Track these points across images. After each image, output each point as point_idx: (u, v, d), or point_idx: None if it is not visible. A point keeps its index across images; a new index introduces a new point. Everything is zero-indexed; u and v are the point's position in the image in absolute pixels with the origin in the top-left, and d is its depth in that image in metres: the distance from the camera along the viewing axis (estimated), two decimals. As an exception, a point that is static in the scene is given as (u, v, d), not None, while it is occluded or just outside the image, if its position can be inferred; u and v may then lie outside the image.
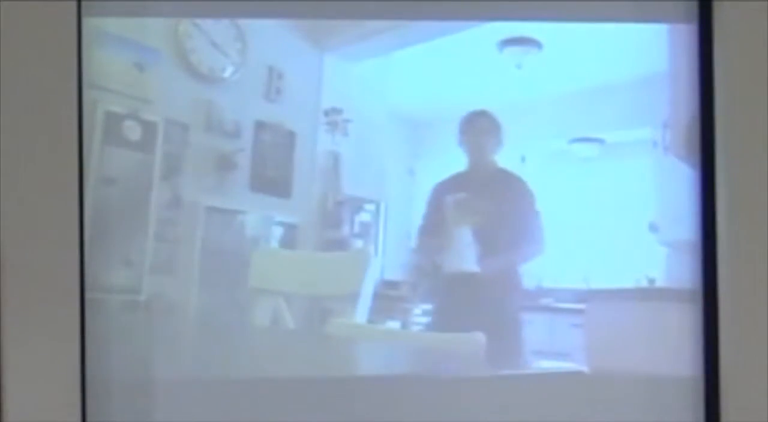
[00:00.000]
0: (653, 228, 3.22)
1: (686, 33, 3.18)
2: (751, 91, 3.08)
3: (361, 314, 3.20)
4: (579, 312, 3.22)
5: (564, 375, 3.19)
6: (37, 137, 2.94)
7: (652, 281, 3.23)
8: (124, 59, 3.11)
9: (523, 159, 3.26)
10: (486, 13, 3.18)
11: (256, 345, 3.18)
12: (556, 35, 3.22)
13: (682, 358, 3.15)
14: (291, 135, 3.23)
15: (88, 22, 3.02)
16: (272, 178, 3.22)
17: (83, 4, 2.99)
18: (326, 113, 3.23)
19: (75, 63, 2.97)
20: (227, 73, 3.19)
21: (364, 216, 3.26)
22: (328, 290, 3.20)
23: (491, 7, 3.18)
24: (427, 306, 3.29)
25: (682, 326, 3.16)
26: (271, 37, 3.20)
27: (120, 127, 3.11)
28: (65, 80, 2.96)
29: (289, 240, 3.21)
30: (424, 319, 3.27)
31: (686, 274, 3.18)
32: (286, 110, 3.22)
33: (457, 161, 3.28)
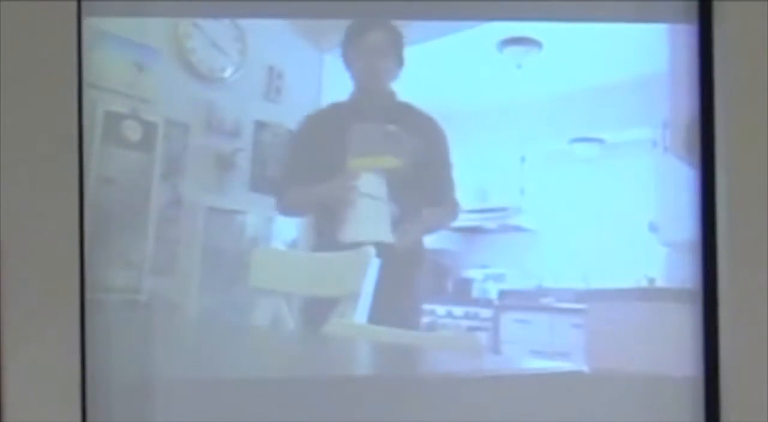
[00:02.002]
0: (653, 228, 3.22)
1: (686, 33, 3.19)
2: (751, 91, 3.08)
3: (361, 314, 3.19)
4: (579, 312, 3.22)
5: (564, 375, 3.19)
6: (37, 137, 2.94)
7: (652, 281, 3.23)
8: (124, 59, 3.11)
9: (523, 159, 3.26)
10: (486, 13, 3.18)
11: (256, 345, 3.18)
12: (556, 35, 3.22)
13: (682, 358, 3.15)
14: (291, 135, 3.23)
15: (88, 22, 3.02)
16: (272, 178, 3.21)
17: (83, 4, 2.99)
18: (326, 113, 3.22)
19: (75, 63, 2.97)
20: (227, 73, 3.19)
21: (364, 216, 3.25)
22: (328, 290, 3.19)
23: (491, 7, 3.18)
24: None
25: (682, 326, 3.16)
26: (271, 37, 3.20)
27: (120, 127, 3.11)
28: (65, 80, 2.96)
29: (289, 240, 3.21)
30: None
31: (686, 274, 3.18)
32: (286, 110, 3.21)
33: (456, 160, 3.27)
